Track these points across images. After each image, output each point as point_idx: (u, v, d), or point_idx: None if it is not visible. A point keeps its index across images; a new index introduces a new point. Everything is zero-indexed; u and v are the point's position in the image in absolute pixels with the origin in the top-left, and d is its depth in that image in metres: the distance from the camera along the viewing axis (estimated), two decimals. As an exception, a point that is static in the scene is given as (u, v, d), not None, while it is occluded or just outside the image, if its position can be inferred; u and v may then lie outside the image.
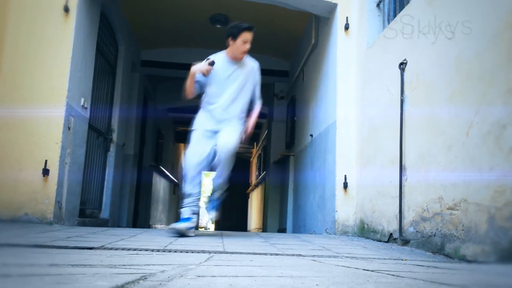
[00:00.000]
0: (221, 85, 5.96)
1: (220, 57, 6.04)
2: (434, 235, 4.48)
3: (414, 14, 5.43)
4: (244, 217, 26.40)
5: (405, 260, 3.92)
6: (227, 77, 5.95)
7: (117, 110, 10.01)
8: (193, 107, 17.42)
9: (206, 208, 6.14)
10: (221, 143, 5.68)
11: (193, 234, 5.76)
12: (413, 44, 5.39)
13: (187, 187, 5.80)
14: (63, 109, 6.75)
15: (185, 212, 5.75)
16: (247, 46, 5.85)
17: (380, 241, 5.92)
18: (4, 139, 6.64)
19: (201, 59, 11.59)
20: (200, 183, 5.87)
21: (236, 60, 6.00)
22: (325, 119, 8.13)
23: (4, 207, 6.46)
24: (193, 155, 5.83)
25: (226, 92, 5.94)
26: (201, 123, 6.02)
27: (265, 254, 4.01)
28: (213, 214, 6.08)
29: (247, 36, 5.82)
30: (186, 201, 5.81)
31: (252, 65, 6.13)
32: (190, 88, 6.03)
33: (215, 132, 5.91)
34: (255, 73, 6.15)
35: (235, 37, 5.85)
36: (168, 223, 20.24)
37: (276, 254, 4.01)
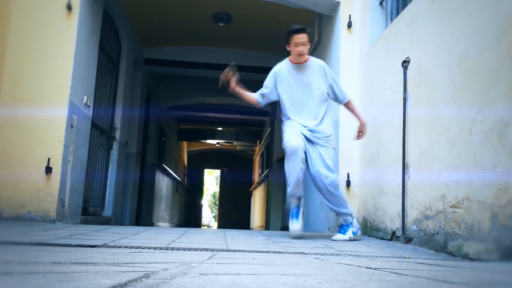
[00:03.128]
0: (294, 92, 5.93)
1: (284, 65, 6.04)
2: (437, 233, 4.48)
3: (416, 12, 5.43)
4: (247, 215, 26.44)
5: (408, 258, 3.92)
6: (296, 83, 5.92)
7: (120, 108, 10.01)
8: (196, 105, 17.39)
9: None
10: (315, 171, 5.79)
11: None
12: (416, 42, 5.38)
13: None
14: (66, 107, 6.75)
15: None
16: (300, 48, 5.78)
17: (383, 239, 5.92)
18: (7, 137, 6.64)
19: (204, 58, 11.50)
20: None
21: (299, 64, 5.95)
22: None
23: (7, 205, 6.46)
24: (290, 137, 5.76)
25: (303, 98, 5.90)
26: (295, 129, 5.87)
27: (268, 252, 4.01)
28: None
29: (297, 38, 5.76)
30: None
31: (318, 64, 6.01)
32: (251, 102, 6.15)
33: (310, 141, 5.84)
34: (324, 71, 6.00)
35: (288, 42, 5.84)
36: (171, 221, 20.27)
37: (279, 252, 4.01)
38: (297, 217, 5.80)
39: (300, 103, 5.90)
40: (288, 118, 5.97)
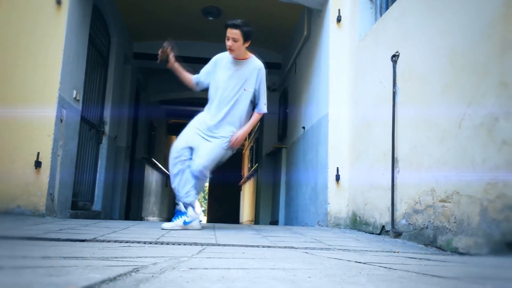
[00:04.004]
0: (220, 86, 5.88)
1: (224, 56, 5.99)
2: (427, 228, 4.49)
3: (406, 6, 5.43)
4: (236, 209, 26.42)
5: (398, 252, 3.93)
6: (227, 77, 5.87)
7: (109, 103, 10.00)
8: (185, 99, 17.38)
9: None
10: (194, 161, 5.71)
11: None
12: (406, 36, 5.39)
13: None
14: (55, 101, 6.73)
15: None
16: (229, 42, 5.72)
17: (373, 233, 5.94)
18: (-4, 132, 6.62)
19: (193, 52, 11.48)
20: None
21: (238, 60, 5.91)
22: (317, 111, 8.13)
23: (-4, 200, 6.46)
24: (179, 140, 5.82)
25: (224, 93, 5.84)
26: (196, 123, 5.92)
27: (258, 246, 4.01)
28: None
29: (229, 32, 5.69)
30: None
31: (255, 65, 5.95)
32: (188, 83, 6.12)
33: (204, 138, 5.83)
34: (257, 74, 5.94)
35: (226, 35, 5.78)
36: (160, 216, 20.27)
37: (269, 247, 4.01)
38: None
39: (223, 98, 5.87)
40: (208, 104, 6.03)
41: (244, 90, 5.87)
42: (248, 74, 5.89)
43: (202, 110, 6.01)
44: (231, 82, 5.85)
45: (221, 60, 5.97)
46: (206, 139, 5.78)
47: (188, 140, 5.77)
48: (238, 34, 5.69)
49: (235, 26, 5.68)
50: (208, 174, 5.78)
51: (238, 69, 5.89)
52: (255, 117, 5.99)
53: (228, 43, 5.72)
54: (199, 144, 5.75)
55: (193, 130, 5.84)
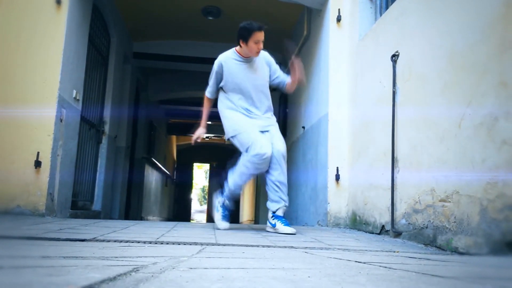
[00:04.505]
0: (242, 84, 5.96)
1: (228, 56, 6.05)
2: (426, 227, 4.49)
3: (406, 5, 5.43)
4: (236, 209, 26.41)
5: (397, 252, 3.93)
6: (247, 74, 5.97)
7: (109, 102, 10.00)
8: (185, 99, 17.36)
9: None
10: (276, 148, 5.86)
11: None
12: (405, 36, 5.39)
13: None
14: (55, 101, 6.73)
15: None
16: (260, 46, 5.83)
17: (372, 233, 5.94)
18: (-5, 131, 6.62)
19: (192, 52, 11.49)
20: None
21: (248, 57, 6.00)
22: (317, 111, 8.12)
23: (-4, 199, 6.46)
24: (263, 147, 5.78)
25: (250, 89, 5.97)
26: (247, 124, 5.95)
27: (257, 246, 4.01)
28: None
29: (258, 36, 5.78)
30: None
31: (262, 56, 6.09)
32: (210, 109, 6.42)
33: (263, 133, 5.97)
34: (268, 61, 6.16)
35: (245, 39, 5.82)
36: (160, 215, 20.26)
37: (268, 246, 4.01)
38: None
39: (252, 93, 6.01)
40: (236, 103, 6.06)
41: (266, 80, 6.08)
42: (261, 66, 6.07)
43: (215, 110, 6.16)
44: (252, 77, 5.99)
45: (228, 61, 6.02)
46: (267, 131, 6.04)
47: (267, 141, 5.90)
48: (263, 36, 5.84)
49: (263, 29, 5.85)
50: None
51: (252, 64, 6.02)
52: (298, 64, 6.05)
53: (260, 46, 5.84)
54: (270, 136, 6.01)
55: (256, 130, 5.93)
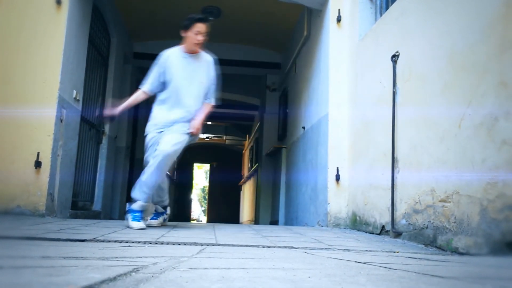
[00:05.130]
0: (178, 81, 5.87)
1: (173, 52, 5.98)
2: (426, 227, 4.49)
3: (406, 6, 5.43)
4: (236, 209, 26.44)
5: (397, 252, 3.94)
6: (184, 72, 5.88)
7: (109, 103, 9.99)
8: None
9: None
10: (161, 146, 5.64)
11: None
12: (405, 36, 5.39)
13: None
14: (55, 101, 6.73)
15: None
16: (200, 37, 5.76)
17: (372, 233, 5.94)
18: (-5, 131, 6.62)
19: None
20: None
21: (192, 53, 5.93)
22: (317, 111, 8.13)
23: (-4, 199, 6.46)
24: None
25: (183, 88, 5.85)
26: (155, 125, 5.92)
27: (257, 246, 4.01)
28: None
29: (200, 27, 5.73)
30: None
31: (207, 59, 6.02)
32: (139, 101, 6.22)
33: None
34: (209, 68, 6.02)
35: (187, 28, 5.77)
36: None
37: (268, 247, 4.02)
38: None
39: (183, 92, 5.87)
40: (164, 99, 5.98)
41: (201, 82, 5.91)
42: (202, 67, 5.96)
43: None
44: (188, 76, 5.88)
45: (171, 57, 5.96)
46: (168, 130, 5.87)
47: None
48: (206, 28, 5.80)
49: (206, 20, 5.81)
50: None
51: (192, 63, 5.93)
52: (209, 106, 6.03)
53: (200, 37, 5.77)
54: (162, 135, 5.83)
55: (157, 136, 5.86)
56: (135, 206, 5.57)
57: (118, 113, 6.00)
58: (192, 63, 5.92)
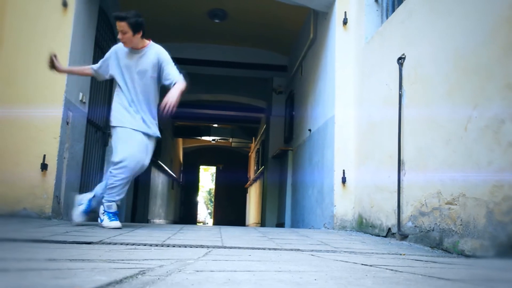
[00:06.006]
0: (126, 76, 5.88)
1: (122, 47, 5.94)
2: (433, 230, 4.49)
3: (412, 8, 5.43)
4: (243, 211, 26.42)
5: (404, 255, 3.93)
6: (130, 68, 5.86)
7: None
8: (192, 102, 17.33)
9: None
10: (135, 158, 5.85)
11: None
12: (411, 39, 5.39)
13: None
14: (61, 103, 6.75)
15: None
16: (119, 35, 5.74)
17: (379, 235, 5.93)
18: (2, 134, 6.62)
19: (200, 54, 11.51)
20: None
21: (136, 49, 5.91)
22: (324, 113, 8.13)
23: (2, 202, 6.45)
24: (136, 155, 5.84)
25: (133, 85, 5.85)
26: (127, 120, 5.88)
27: (264, 248, 4.01)
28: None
29: (118, 25, 5.71)
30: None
31: (154, 51, 5.94)
32: (86, 75, 6.49)
33: (144, 134, 5.88)
34: (158, 56, 5.90)
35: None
36: (167, 218, 20.27)
37: (275, 249, 4.01)
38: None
39: (132, 88, 5.88)
40: (121, 96, 5.97)
41: (151, 77, 5.88)
42: (150, 61, 5.89)
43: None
44: (135, 72, 5.85)
45: (120, 51, 5.95)
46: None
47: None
48: (125, 26, 5.69)
49: (121, 18, 5.70)
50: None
51: (139, 58, 5.89)
52: (182, 83, 5.87)
53: (119, 36, 5.75)
54: None
55: (136, 136, 5.88)
56: (112, 208, 5.73)
57: (61, 69, 6.05)
58: (139, 58, 5.89)
